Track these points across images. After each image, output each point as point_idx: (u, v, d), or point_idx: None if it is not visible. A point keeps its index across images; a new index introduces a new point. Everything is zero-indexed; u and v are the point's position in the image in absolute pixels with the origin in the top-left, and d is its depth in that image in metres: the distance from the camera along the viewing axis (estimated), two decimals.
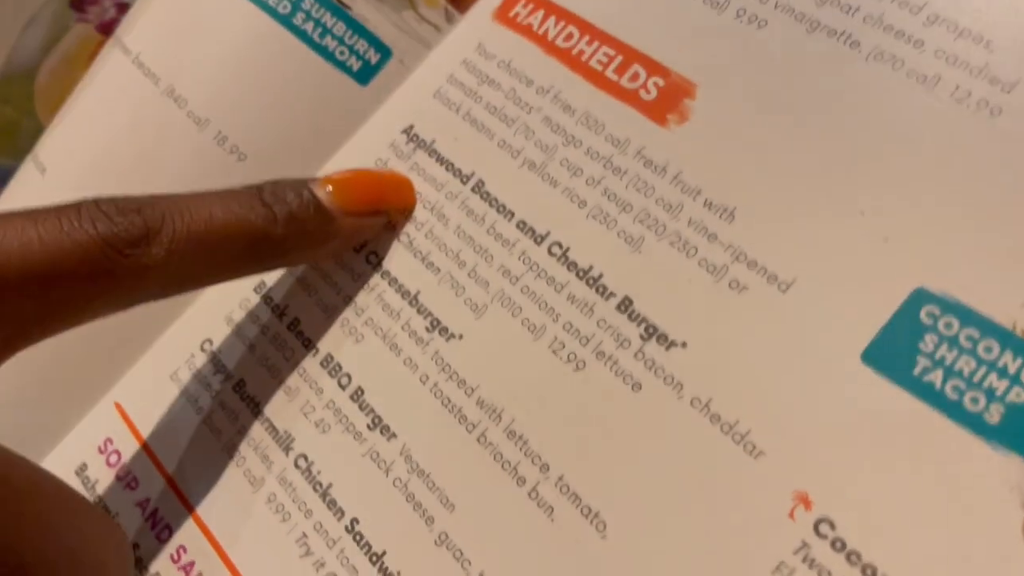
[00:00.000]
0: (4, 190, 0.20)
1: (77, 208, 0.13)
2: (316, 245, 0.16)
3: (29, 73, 0.21)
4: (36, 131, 0.21)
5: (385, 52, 0.19)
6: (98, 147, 0.18)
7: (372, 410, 0.15)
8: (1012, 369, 0.12)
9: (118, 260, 0.13)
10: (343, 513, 0.15)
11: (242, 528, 0.16)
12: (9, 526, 0.12)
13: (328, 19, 0.18)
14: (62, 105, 0.21)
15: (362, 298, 0.16)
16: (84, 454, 0.18)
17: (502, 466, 0.14)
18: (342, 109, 0.18)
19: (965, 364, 0.13)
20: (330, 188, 0.16)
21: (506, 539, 0.14)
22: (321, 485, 0.15)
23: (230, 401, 0.17)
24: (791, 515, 0.13)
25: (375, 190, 0.17)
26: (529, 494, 0.14)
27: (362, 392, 0.16)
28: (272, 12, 0.19)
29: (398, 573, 0.14)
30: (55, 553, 0.13)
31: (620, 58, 0.16)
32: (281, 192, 0.15)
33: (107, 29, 0.21)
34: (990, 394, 0.12)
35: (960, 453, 0.12)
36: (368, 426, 0.15)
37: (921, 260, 0.13)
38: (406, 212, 0.17)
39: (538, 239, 0.16)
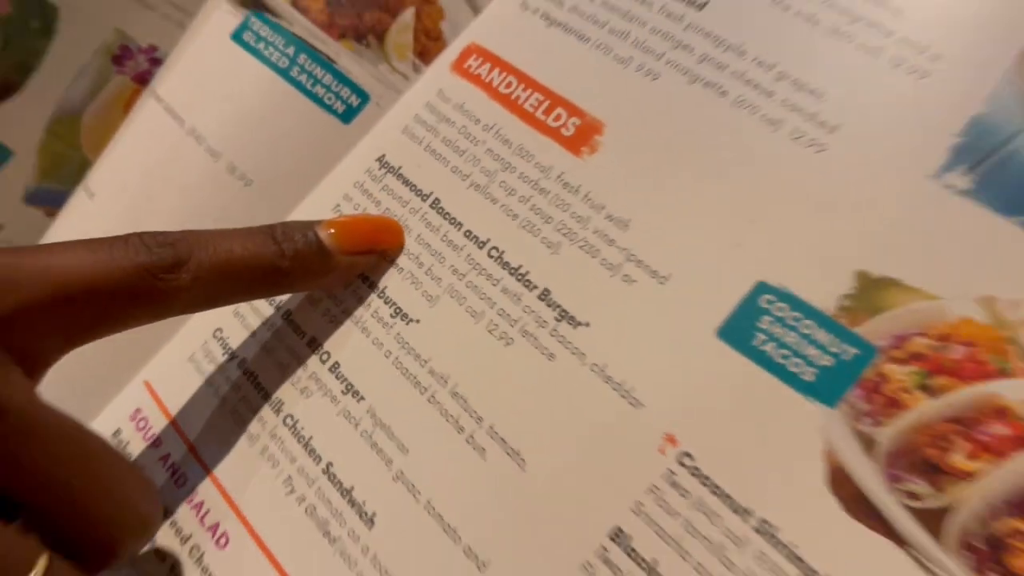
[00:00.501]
0: (60, 211, 0.24)
1: (125, 240, 0.17)
2: (317, 277, 0.19)
3: (76, 115, 0.26)
4: (81, 163, 0.25)
5: (364, 97, 0.23)
6: (136, 176, 0.23)
7: (346, 379, 0.19)
8: (823, 341, 0.16)
9: (154, 283, 0.17)
10: (320, 459, 0.19)
11: (243, 476, 0.20)
12: (62, 468, 0.16)
13: (318, 71, 0.23)
14: (103, 142, 0.25)
15: (342, 293, 0.21)
16: (118, 422, 0.22)
17: (446, 419, 0.18)
18: (329, 143, 0.23)
19: (791, 338, 0.17)
20: (332, 231, 0.19)
21: (449, 475, 0.18)
22: (303, 438, 0.19)
23: (235, 376, 0.21)
24: (661, 451, 0.17)
25: (370, 233, 0.20)
26: (467, 440, 0.18)
27: (338, 365, 0.20)
28: (273, 67, 0.23)
29: (363, 502, 0.18)
30: (101, 493, 0.17)
31: (547, 102, 0.21)
32: (290, 232, 0.19)
33: (141, 79, 0.25)
34: (807, 360, 0.16)
35: (784, 403, 0.16)
36: (342, 391, 0.19)
37: (762, 261, 0.17)
38: (397, 250, 0.20)
39: (480, 244, 0.20)
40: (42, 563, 0.15)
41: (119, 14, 0.25)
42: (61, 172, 0.26)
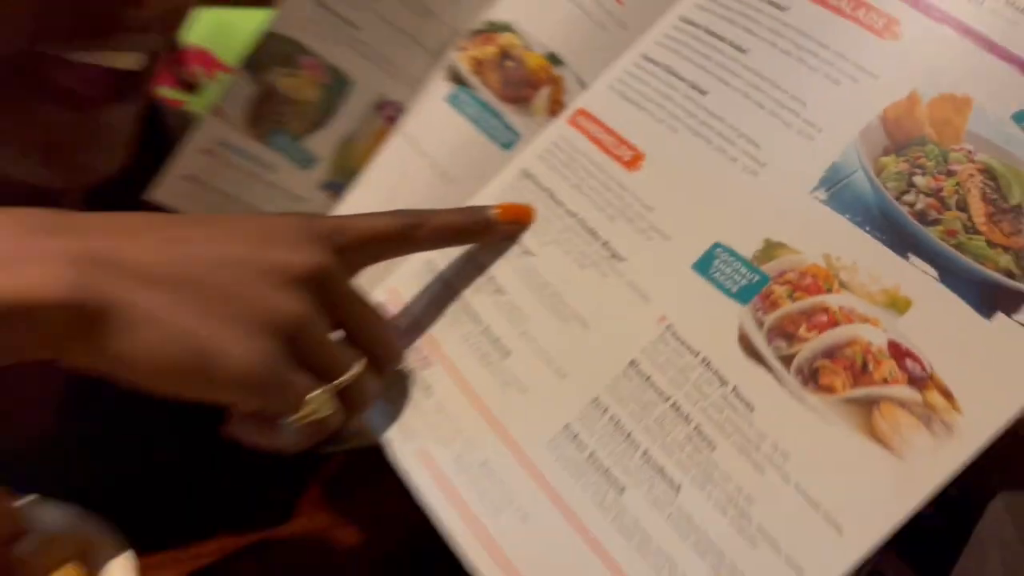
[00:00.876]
0: (341, 196, 0.43)
1: (394, 213, 0.35)
2: (490, 236, 0.37)
3: (354, 140, 0.45)
4: (355, 168, 0.44)
5: (518, 136, 0.41)
6: (389, 179, 0.41)
7: (524, 273, 0.37)
8: (743, 272, 0.32)
9: (412, 234, 0.35)
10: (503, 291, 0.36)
11: (450, 333, 0.37)
12: (369, 314, 0.34)
13: (493, 120, 0.40)
14: (367, 156, 0.44)
15: (508, 245, 0.38)
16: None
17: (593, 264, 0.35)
18: (494, 162, 0.40)
19: (728, 270, 0.33)
20: (499, 210, 0.37)
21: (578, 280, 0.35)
22: (502, 292, 0.37)
23: (460, 264, 0.38)
24: (660, 321, 0.33)
25: (517, 213, 0.38)
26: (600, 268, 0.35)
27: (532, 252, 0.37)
28: (467, 115, 0.41)
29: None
30: (383, 328, 0.35)
31: (616, 141, 0.37)
32: (477, 209, 0.37)
33: (391, 121, 0.44)
34: (734, 281, 0.32)
35: (720, 304, 0.32)
36: (523, 278, 0.37)
37: (718, 231, 0.33)
38: (529, 224, 0.38)
39: (570, 214, 0.37)
40: (363, 362, 0.34)
41: (381, 83, 0.43)
42: (343, 173, 0.45)
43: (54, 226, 0.28)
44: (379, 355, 0.34)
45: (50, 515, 0.35)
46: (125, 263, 0.28)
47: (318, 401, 0.32)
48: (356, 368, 0.33)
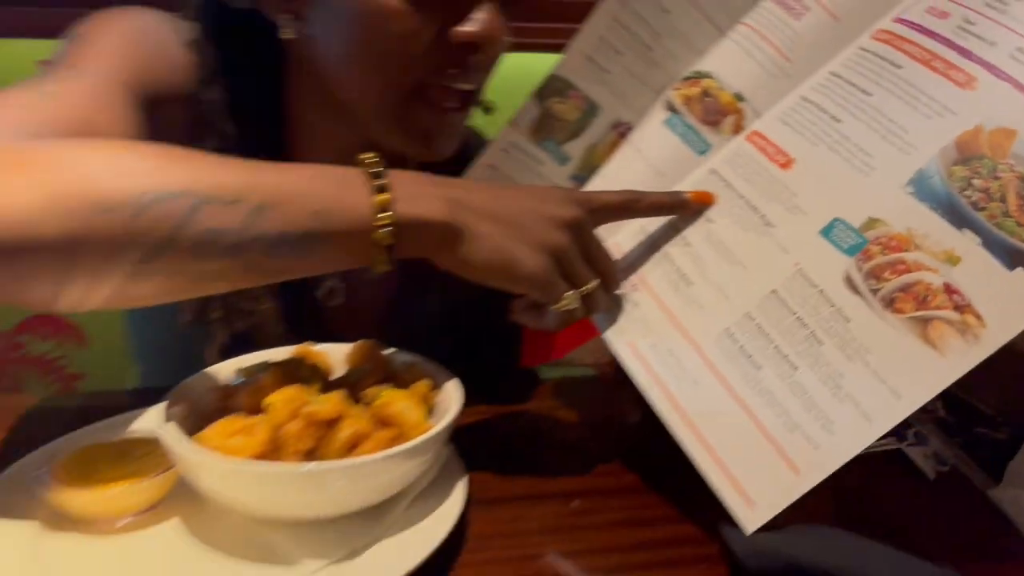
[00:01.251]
0: (583, 186, 0.65)
1: (620, 192, 0.56)
2: (684, 211, 0.57)
3: (595, 147, 0.66)
4: (593, 168, 0.66)
5: (709, 146, 0.60)
6: (619, 174, 0.62)
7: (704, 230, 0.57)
8: (852, 238, 0.50)
9: (633, 206, 0.56)
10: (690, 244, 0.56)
11: (652, 270, 0.58)
12: (606, 256, 0.56)
13: (693, 136, 0.60)
14: (604, 160, 0.65)
15: (693, 215, 0.58)
16: None
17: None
18: (692, 164, 0.60)
19: (842, 235, 0.50)
20: (690, 194, 0.57)
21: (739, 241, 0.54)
22: (689, 245, 0.57)
23: (662, 227, 0.59)
24: (795, 266, 0.51)
25: (703, 197, 0.58)
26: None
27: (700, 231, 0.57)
28: (676, 133, 0.61)
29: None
30: (610, 261, 0.56)
31: (777, 151, 0.56)
32: (677, 192, 0.57)
33: (622, 135, 0.65)
34: (847, 242, 0.50)
35: (834, 258, 0.50)
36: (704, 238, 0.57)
37: (838, 210, 0.51)
38: (710, 205, 0.57)
39: (739, 196, 0.56)
40: (598, 281, 0.55)
41: (619, 111, 0.65)
42: (587, 169, 0.66)
43: (435, 181, 0.51)
44: (607, 278, 0.55)
45: (402, 358, 0.58)
46: (472, 204, 0.51)
47: (571, 298, 0.53)
48: (594, 283, 0.54)
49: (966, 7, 0.52)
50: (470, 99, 0.62)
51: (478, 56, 0.59)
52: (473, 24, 0.58)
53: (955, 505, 0.56)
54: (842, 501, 0.54)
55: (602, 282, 0.55)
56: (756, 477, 0.48)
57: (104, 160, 0.43)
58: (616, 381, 0.72)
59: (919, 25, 0.53)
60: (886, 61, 0.53)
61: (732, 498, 0.48)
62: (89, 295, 0.43)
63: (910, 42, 0.53)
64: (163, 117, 0.59)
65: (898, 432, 0.58)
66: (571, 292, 0.53)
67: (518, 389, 0.72)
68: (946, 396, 0.48)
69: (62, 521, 0.47)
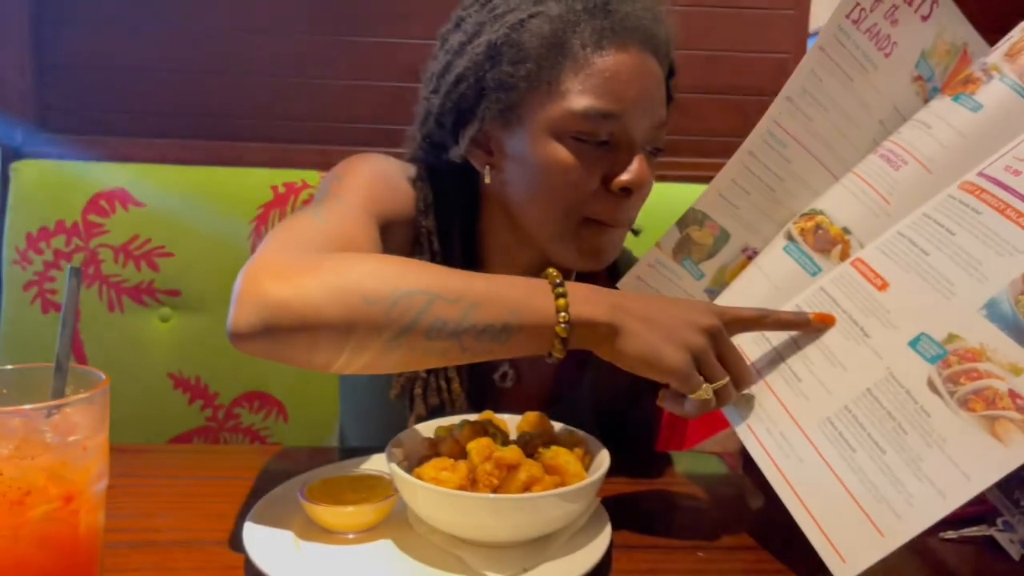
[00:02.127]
0: (714, 299, 0.80)
1: (755, 308, 0.71)
2: (805, 329, 0.70)
3: (725, 267, 0.81)
4: (723, 284, 0.81)
5: (820, 270, 0.74)
6: (745, 290, 0.77)
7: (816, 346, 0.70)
8: (935, 349, 0.62)
9: (762, 321, 0.70)
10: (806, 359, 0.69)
11: (771, 371, 0.71)
12: (739, 360, 0.70)
13: (807, 261, 0.74)
14: (733, 278, 0.80)
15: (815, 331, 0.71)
16: None
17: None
18: (805, 283, 0.74)
19: (927, 347, 0.62)
20: (814, 315, 0.70)
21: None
22: (802, 350, 0.70)
23: (783, 338, 0.72)
24: (886, 370, 0.63)
25: (825, 319, 0.70)
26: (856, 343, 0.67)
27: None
28: (793, 257, 0.75)
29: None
30: (744, 366, 0.70)
31: (875, 275, 0.69)
32: (802, 313, 0.70)
33: (749, 258, 0.80)
34: (930, 353, 0.62)
35: (918, 366, 0.62)
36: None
37: (923, 325, 0.63)
38: (831, 326, 0.70)
39: (860, 328, 0.69)
40: (728, 379, 0.68)
41: (748, 239, 0.80)
42: (718, 284, 0.81)
43: (602, 291, 0.68)
44: (737, 378, 0.69)
45: (563, 428, 0.74)
46: (630, 309, 0.67)
47: (705, 391, 0.67)
48: (725, 380, 0.68)
49: None
50: (626, 224, 0.80)
51: (631, 196, 0.77)
52: (628, 174, 0.76)
53: None
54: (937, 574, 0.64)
55: (733, 380, 0.68)
56: (848, 538, 0.59)
57: (368, 267, 0.63)
58: (742, 469, 0.85)
59: (997, 180, 0.66)
60: (968, 207, 0.66)
61: (828, 554, 0.59)
62: (353, 361, 0.62)
63: (989, 193, 0.65)
64: (392, 235, 0.81)
65: (989, 520, 0.67)
66: (705, 385, 0.67)
67: (655, 468, 0.86)
68: None
69: (312, 528, 0.65)
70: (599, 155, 0.77)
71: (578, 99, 0.75)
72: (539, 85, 0.76)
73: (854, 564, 0.58)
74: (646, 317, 0.66)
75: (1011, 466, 0.55)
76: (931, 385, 0.61)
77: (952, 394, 0.60)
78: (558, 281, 0.65)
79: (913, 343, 0.63)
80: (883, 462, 0.60)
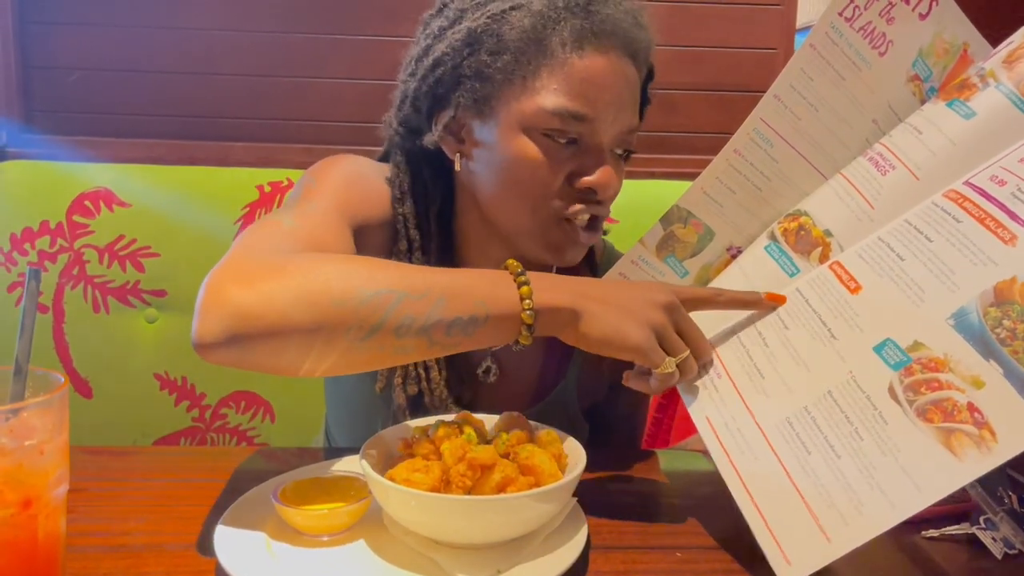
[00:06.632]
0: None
1: (708, 287, 0.71)
2: (757, 307, 0.70)
3: (708, 265, 0.81)
4: (706, 282, 0.80)
5: (798, 271, 0.73)
6: (726, 287, 0.76)
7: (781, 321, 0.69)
8: (899, 355, 0.61)
9: (716, 299, 0.70)
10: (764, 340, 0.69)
11: (732, 360, 0.70)
12: (698, 334, 0.70)
13: (787, 261, 0.73)
14: (716, 275, 0.79)
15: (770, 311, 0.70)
16: None
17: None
18: (783, 282, 0.73)
19: (891, 353, 0.61)
20: (765, 294, 0.70)
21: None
22: (766, 344, 0.69)
23: (744, 324, 0.72)
24: (848, 374, 0.62)
25: (775, 298, 0.70)
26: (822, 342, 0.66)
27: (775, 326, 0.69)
28: (773, 257, 0.74)
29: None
30: (702, 340, 0.70)
31: (849, 278, 0.68)
32: (752, 292, 0.70)
33: (733, 257, 0.79)
34: (894, 359, 0.61)
35: (882, 371, 0.61)
36: (783, 326, 0.69)
37: (889, 331, 0.62)
38: (781, 305, 0.70)
39: (828, 329, 0.68)
40: (688, 352, 0.68)
41: (732, 237, 0.79)
42: (701, 282, 0.80)
43: (562, 278, 0.68)
44: (698, 350, 0.69)
45: (540, 427, 0.73)
46: (590, 293, 0.67)
47: (668, 364, 0.67)
48: (686, 352, 0.68)
49: (1021, 178, 0.62)
50: (593, 224, 0.80)
51: (597, 197, 0.77)
52: (593, 176, 0.76)
53: None
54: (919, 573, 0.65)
55: (693, 353, 0.68)
56: (796, 540, 0.58)
57: (335, 268, 0.62)
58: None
59: (981, 189, 0.64)
60: (949, 215, 0.64)
61: (774, 554, 0.59)
62: (319, 364, 0.61)
63: (971, 202, 0.64)
64: (366, 236, 0.81)
65: (972, 518, 0.66)
66: (668, 359, 0.67)
67: (635, 466, 0.85)
68: (1020, 491, 0.58)
69: (285, 531, 0.63)
70: (567, 154, 0.77)
71: (551, 97, 0.75)
72: (514, 79, 0.76)
73: (799, 567, 0.57)
74: (606, 299, 0.67)
75: (963, 481, 0.54)
76: (892, 392, 0.60)
77: (911, 403, 0.58)
78: (520, 271, 0.66)
79: (878, 348, 0.62)
80: (837, 467, 0.59)
